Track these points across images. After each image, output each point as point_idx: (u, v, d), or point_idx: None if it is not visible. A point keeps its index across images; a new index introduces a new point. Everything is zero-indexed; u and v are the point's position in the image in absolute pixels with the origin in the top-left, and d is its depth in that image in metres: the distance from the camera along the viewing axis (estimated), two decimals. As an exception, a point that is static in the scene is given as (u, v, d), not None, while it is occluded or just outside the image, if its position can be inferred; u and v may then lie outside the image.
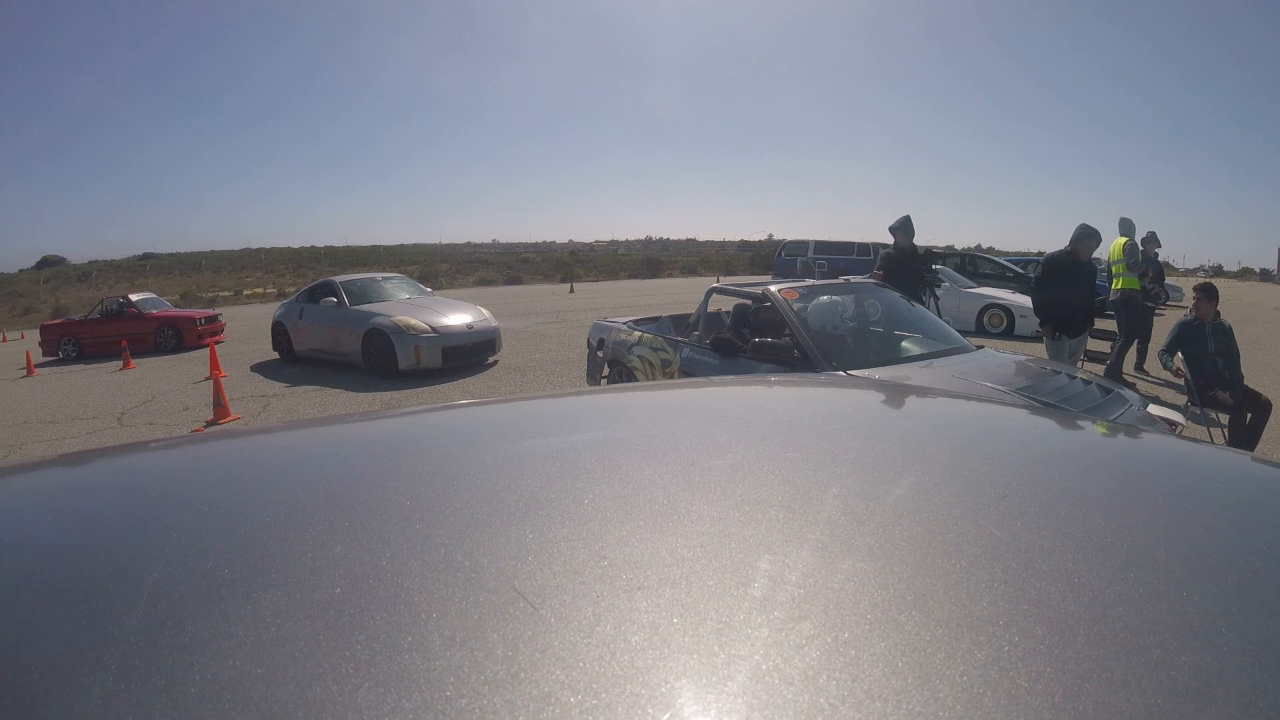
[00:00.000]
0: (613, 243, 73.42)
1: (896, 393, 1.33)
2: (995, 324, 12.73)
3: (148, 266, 56.58)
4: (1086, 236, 6.45)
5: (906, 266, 7.20)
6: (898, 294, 6.03)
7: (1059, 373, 4.74)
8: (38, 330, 17.64)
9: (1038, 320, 6.69)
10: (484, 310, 10.91)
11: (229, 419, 8.07)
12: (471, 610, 0.46)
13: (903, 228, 7.37)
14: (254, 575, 0.52)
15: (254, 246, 65.71)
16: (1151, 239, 9.79)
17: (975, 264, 16.83)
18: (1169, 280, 22.87)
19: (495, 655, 0.41)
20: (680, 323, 6.68)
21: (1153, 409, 4.42)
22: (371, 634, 0.44)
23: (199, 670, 0.41)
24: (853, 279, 6.56)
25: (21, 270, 61.43)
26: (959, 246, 26.72)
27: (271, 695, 0.39)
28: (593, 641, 0.43)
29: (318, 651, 0.42)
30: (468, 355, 10.06)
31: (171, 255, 63.75)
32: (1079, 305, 6.44)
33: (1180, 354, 5.78)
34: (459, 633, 0.44)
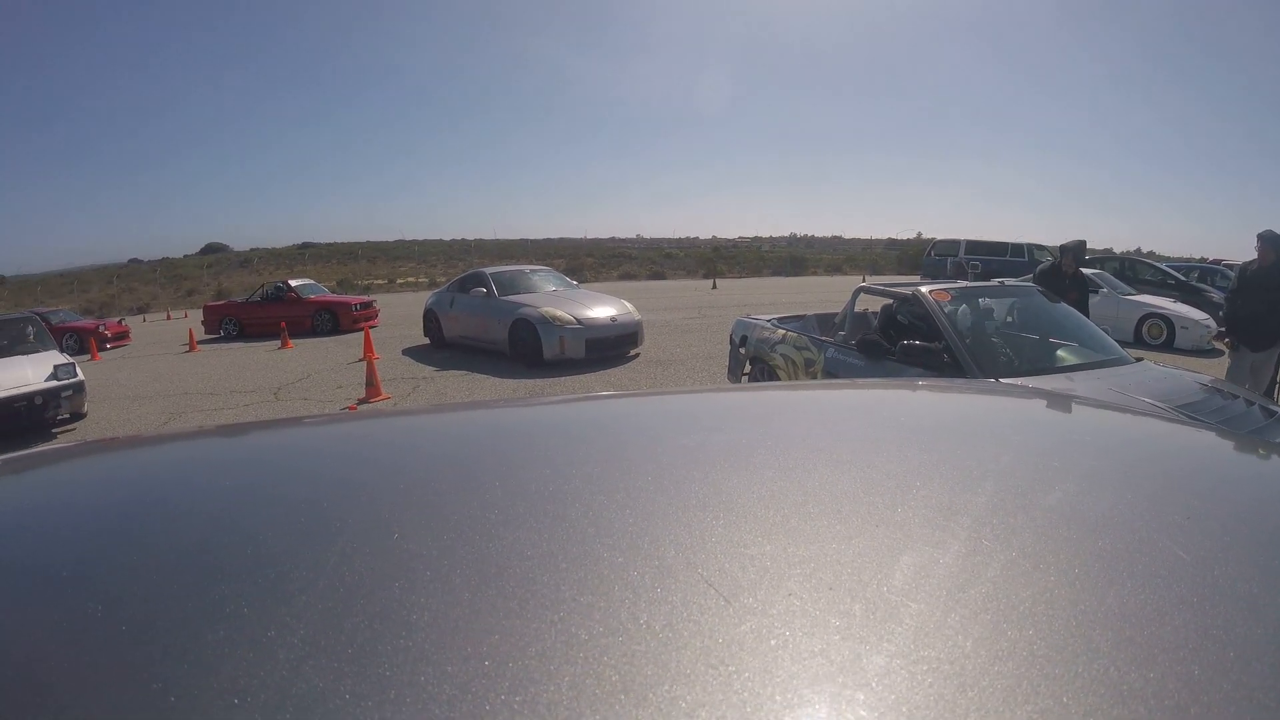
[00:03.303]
0: (756, 239, 72.63)
1: (1058, 403, 1.31)
2: (1154, 335, 11.63)
3: (306, 255, 60.15)
4: (1263, 240, 5.91)
5: (1056, 287, 6.65)
6: (1055, 299, 5.73)
7: (1219, 391, 4.46)
8: (200, 310, 18.98)
9: (1218, 331, 6.18)
10: (627, 304, 11.00)
11: (380, 398, 8.33)
12: (663, 599, 0.45)
13: (1072, 251, 6.82)
14: (440, 552, 0.53)
15: (407, 238, 68.99)
16: None
17: (1134, 269, 15.20)
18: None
19: (691, 645, 0.41)
20: (825, 321, 6.52)
21: None
22: (565, 614, 0.44)
23: (388, 642, 0.41)
24: (1007, 282, 6.24)
25: (187, 255, 67.19)
26: (1117, 250, 24.44)
27: (466, 670, 0.39)
28: (787, 638, 0.42)
29: (512, 629, 0.42)
30: (610, 347, 10.19)
31: (329, 245, 67.69)
32: (1266, 317, 5.91)
33: None
34: (655, 620, 0.43)
